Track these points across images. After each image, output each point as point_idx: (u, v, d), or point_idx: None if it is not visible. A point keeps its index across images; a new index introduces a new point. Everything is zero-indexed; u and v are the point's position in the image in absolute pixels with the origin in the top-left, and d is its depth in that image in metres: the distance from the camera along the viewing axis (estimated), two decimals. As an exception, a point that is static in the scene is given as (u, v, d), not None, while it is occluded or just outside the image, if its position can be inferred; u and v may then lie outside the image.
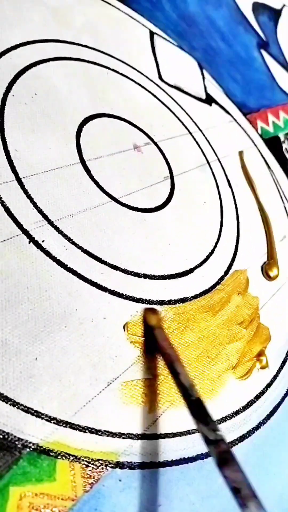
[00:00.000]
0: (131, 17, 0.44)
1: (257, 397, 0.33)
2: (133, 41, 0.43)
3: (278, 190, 0.48)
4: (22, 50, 0.33)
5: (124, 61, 0.41)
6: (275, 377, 0.35)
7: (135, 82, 0.40)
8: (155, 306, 0.30)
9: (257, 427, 0.32)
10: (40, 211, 0.28)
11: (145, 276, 0.31)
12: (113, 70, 0.39)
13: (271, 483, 0.31)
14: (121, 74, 0.40)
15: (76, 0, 0.40)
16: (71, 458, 0.23)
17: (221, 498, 0.27)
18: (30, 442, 0.22)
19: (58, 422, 0.23)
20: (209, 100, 0.47)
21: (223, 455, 0.21)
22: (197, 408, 0.24)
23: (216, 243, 0.37)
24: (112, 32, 0.41)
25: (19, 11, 0.35)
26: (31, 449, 0.22)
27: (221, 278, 0.36)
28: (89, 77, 0.37)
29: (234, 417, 0.31)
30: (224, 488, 0.28)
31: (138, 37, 0.44)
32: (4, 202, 0.27)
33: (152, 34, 0.46)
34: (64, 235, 0.28)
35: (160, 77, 0.43)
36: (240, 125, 0.49)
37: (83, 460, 0.23)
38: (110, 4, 0.43)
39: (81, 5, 0.40)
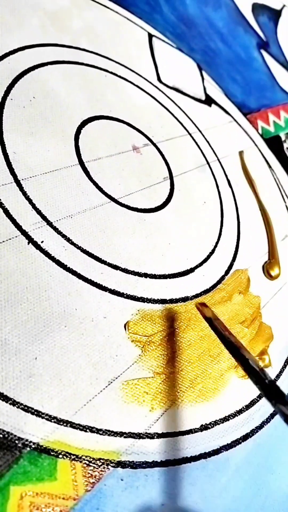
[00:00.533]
0: (129, 20, 0.45)
1: (260, 396, 0.33)
2: (131, 44, 0.43)
3: (279, 190, 0.48)
4: (21, 55, 0.33)
5: (122, 63, 0.41)
6: (278, 375, 0.34)
7: (134, 84, 0.41)
8: (155, 305, 0.30)
9: (260, 426, 0.31)
10: (39, 212, 0.28)
11: (145, 275, 0.31)
12: (111, 72, 0.39)
13: (275, 483, 0.30)
14: (120, 76, 0.40)
15: (74, 5, 0.40)
16: (72, 457, 0.23)
17: (225, 498, 0.27)
18: (31, 441, 0.22)
19: (59, 421, 0.23)
20: (208, 101, 0.48)
21: None
22: (273, 390, 0.23)
23: (217, 242, 0.37)
24: (110, 35, 0.41)
25: (18, 16, 0.35)
26: (32, 448, 0.22)
27: (222, 278, 0.36)
28: (88, 79, 0.37)
29: (237, 416, 0.30)
30: (228, 488, 0.28)
31: (137, 40, 0.44)
32: (3, 204, 0.27)
33: (150, 36, 0.46)
34: (63, 236, 0.28)
35: (159, 79, 0.44)
36: (240, 125, 0.49)
37: (84, 459, 0.23)
38: (108, 7, 0.43)
39: (79, 9, 0.40)
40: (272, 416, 0.32)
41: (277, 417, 0.33)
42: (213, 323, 0.28)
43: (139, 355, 0.28)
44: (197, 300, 0.33)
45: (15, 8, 0.35)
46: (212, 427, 0.29)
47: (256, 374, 0.24)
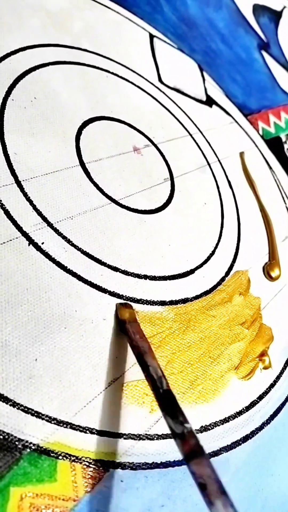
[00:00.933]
0: (130, 20, 0.45)
1: (260, 397, 0.33)
2: (132, 44, 0.43)
3: (280, 191, 0.48)
4: (22, 55, 0.33)
5: (123, 64, 0.41)
6: (278, 377, 0.34)
7: (135, 85, 0.41)
8: (154, 307, 0.30)
9: (260, 428, 0.31)
10: (39, 213, 0.28)
11: (145, 277, 0.31)
12: (112, 73, 0.39)
13: (275, 484, 0.30)
14: (121, 77, 0.40)
15: (75, 6, 0.40)
16: (72, 458, 0.23)
17: (224, 499, 0.27)
18: (31, 443, 0.22)
19: (59, 422, 0.23)
20: (209, 101, 0.48)
21: (190, 450, 0.21)
22: (165, 400, 0.23)
23: (217, 244, 0.37)
24: (111, 36, 0.41)
25: (19, 17, 0.35)
26: (32, 449, 0.22)
27: (222, 279, 0.36)
28: (89, 80, 0.37)
29: (237, 417, 0.30)
30: (227, 489, 0.28)
31: (138, 40, 0.44)
32: (4, 205, 0.27)
33: (152, 37, 0.46)
34: (64, 237, 0.28)
35: (160, 80, 0.44)
36: (241, 126, 0.49)
37: (84, 460, 0.23)
38: (109, 8, 0.43)
39: (80, 10, 0.40)
40: (272, 417, 0.32)
41: (277, 419, 0.33)
42: (125, 326, 0.27)
43: (139, 356, 0.28)
44: (198, 301, 0.33)
45: (16, 9, 0.35)
46: (212, 429, 0.29)
47: (153, 381, 0.24)
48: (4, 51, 0.33)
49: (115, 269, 0.30)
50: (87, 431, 0.24)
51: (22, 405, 0.22)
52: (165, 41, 0.47)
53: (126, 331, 0.27)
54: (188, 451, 0.21)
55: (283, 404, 0.33)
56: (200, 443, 0.21)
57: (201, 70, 0.49)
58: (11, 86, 0.32)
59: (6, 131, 0.30)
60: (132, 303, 0.29)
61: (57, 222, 0.29)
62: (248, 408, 0.31)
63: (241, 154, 0.47)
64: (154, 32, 0.47)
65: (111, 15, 0.43)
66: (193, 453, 0.20)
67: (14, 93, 0.31)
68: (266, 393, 0.33)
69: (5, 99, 0.31)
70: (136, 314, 0.29)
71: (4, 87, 0.31)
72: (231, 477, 0.28)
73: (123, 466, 0.24)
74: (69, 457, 0.23)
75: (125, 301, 0.29)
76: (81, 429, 0.24)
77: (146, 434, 0.26)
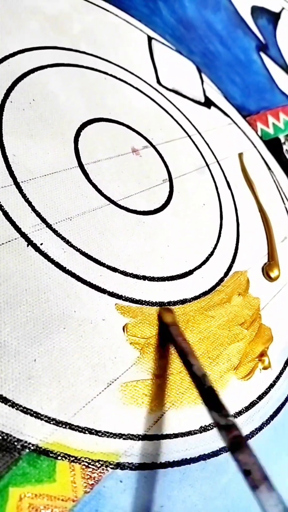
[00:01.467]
0: (129, 22, 0.45)
1: (260, 397, 0.33)
2: (131, 47, 0.43)
3: (279, 191, 0.48)
4: (20, 57, 0.34)
5: (122, 66, 0.41)
6: (278, 377, 0.34)
7: (133, 86, 0.41)
8: (153, 307, 0.30)
9: (260, 428, 0.31)
10: (38, 214, 0.28)
11: (144, 277, 0.31)
12: (111, 75, 0.39)
13: (275, 484, 0.30)
14: (119, 79, 0.40)
15: (74, 8, 0.40)
16: (71, 459, 0.23)
17: (225, 499, 0.27)
18: (30, 443, 0.22)
19: (58, 423, 0.23)
20: (208, 103, 0.48)
21: (235, 440, 0.22)
22: (209, 396, 0.24)
23: (216, 244, 0.37)
24: (109, 38, 0.42)
25: (17, 19, 0.35)
26: (31, 450, 0.22)
27: (221, 280, 0.36)
28: (87, 82, 0.37)
29: (236, 417, 0.30)
30: (227, 489, 0.28)
31: (136, 43, 0.44)
32: (3, 206, 0.27)
33: (150, 39, 0.46)
34: (63, 238, 0.28)
35: (158, 82, 0.44)
36: (239, 127, 0.49)
37: (83, 461, 0.23)
38: (107, 10, 0.43)
39: (79, 12, 0.40)
40: (271, 418, 0.32)
41: (277, 419, 0.33)
42: (169, 329, 0.29)
43: (138, 357, 0.28)
44: (197, 302, 0.33)
45: (15, 12, 0.35)
46: (211, 429, 0.29)
47: (197, 379, 0.25)
48: (3, 53, 0.33)
49: (114, 269, 0.30)
50: (86, 432, 0.24)
51: (21, 406, 0.22)
52: (163, 43, 0.47)
53: (170, 334, 0.29)
54: (233, 441, 0.22)
55: (282, 405, 0.33)
56: (242, 434, 0.23)
57: (200, 71, 0.49)
58: (10, 88, 0.32)
59: (5, 133, 0.30)
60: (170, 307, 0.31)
61: (56, 223, 0.29)
62: (247, 408, 0.31)
63: (240, 155, 0.47)
64: (152, 34, 0.47)
65: (109, 17, 0.43)
66: (237, 443, 0.22)
67: (12, 95, 0.32)
68: (265, 393, 0.33)
69: (3, 101, 0.31)
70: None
71: (3, 89, 0.31)
72: (231, 478, 0.28)
73: (122, 466, 0.24)
74: (68, 458, 0.23)
75: (167, 306, 0.31)
76: (80, 429, 0.24)
77: (145, 435, 0.26)
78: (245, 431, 0.30)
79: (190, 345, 0.28)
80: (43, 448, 0.22)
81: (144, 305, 0.30)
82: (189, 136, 0.43)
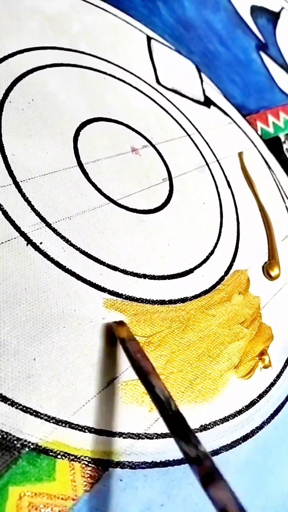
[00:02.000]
0: (128, 23, 0.45)
1: (260, 396, 0.33)
2: (130, 47, 0.43)
3: (279, 190, 0.48)
4: (19, 58, 0.34)
5: (121, 66, 0.41)
6: (278, 376, 0.34)
7: (133, 86, 0.41)
8: (154, 306, 0.30)
9: (260, 427, 0.31)
10: (37, 213, 0.28)
11: (144, 276, 0.31)
12: (110, 75, 0.39)
13: (275, 483, 0.30)
14: (118, 78, 0.40)
15: (73, 8, 0.40)
16: (71, 457, 0.23)
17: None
18: (29, 442, 0.22)
19: (57, 421, 0.23)
20: (207, 102, 0.48)
21: (207, 474, 0.20)
22: (175, 422, 0.22)
23: (216, 243, 0.37)
24: (109, 38, 0.42)
25: (16, 19, 0.35)
26: (30, 448, 0.22)
27: (222, 278, 0.36)
28: (86, 82, 0.37)
29: (236, 416, 0.30)
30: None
31: (135, 43, 0.44)
32: (2, 206, 0.27)
33: (149, 39, 0.46)
34: (62, 237, 0.29)
35: (157, 81, 0.44)
36: (239, 127, 0.49)
37: (83, 459, 0.23)
38: (107, 11, 0.43)
39: (78, 13, 0.40)
40: (272, 416, 0.32)
41: (278, 418, 0.33)
42: (125, 344, 0.26)
43: (138, 355, 0.28)
44: (198, 300, 0.33)
45: (14, 12, 0.35)
46: (211, 428, 0.29)
47: (160, 403, 0.22)
48: (2, 53, 0.33)
49: (114, 268, 0.30)
50: (86, 430, 0.24)
51: (20, 404, 0.22)
52: (162, 43, 0.47)
53: (125, 351, 0.26)
54: (205, 475, 0.20)
55: (283, 403, 0.33)
56: (216, 465, 0.20)
57: (199, 71, 0.49)
58: (9, 89, 0.32)
59: (4, 132, 0.30)
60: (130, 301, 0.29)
61: (56, 222, 0.29)
62: (248, 407, 0.31)
63: (240, 154, 0.47)
64: (152, 34, 0.47)
65: (108, 17, 0.43)
66: (210, 477, 0.19)
67: (11, 95, 0.32)
68: (266, 392, 0.33)
69: (2, 101, 0.31)
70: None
71: (2, 89, 0.31)
72: (231, 477, 0.28)
73: (122, 465, 0.24)
74: (68, 456, 0.23)
75: (119, 320, 0.28)
76: (80, 428, 0.24)
77: (145, 433, 0.26)
78: (245, 430, 0.30)
79: (151, 363, 0.25)
80: (42, 447, 0.22)
81: (144, 303, 0.30)
82: (189, 135, 0.43)
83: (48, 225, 0.28)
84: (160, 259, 0.33)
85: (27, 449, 0.22)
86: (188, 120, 0.44)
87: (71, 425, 0.24)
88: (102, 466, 0.24)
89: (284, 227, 0.44)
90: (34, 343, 0.24)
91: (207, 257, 0.36)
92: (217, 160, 0.44)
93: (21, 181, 0.29)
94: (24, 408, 0.22)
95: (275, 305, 0.38)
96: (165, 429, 0.27)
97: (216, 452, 0.28)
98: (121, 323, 0.28)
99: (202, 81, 0.49)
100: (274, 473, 0.30)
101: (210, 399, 0.30)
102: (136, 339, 0.27)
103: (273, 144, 0.52)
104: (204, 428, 0.28)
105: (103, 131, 0.36)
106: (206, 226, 0.38)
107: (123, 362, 0.27)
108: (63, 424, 0.23)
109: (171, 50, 0.48)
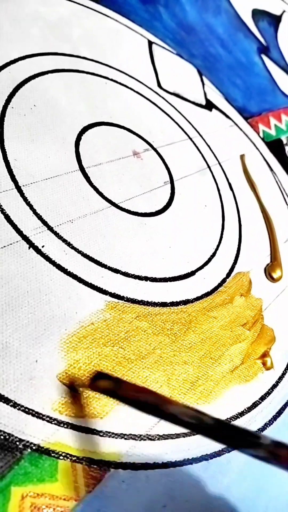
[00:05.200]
0: (129, 28, 0.45)
1: (263, 398, 0.33)
2: (131, 51, 0.44)
3: (282, 192, 0.48)
4: (21, 64, 0.34)
5: (122, 70, 0.41)
6: (280, 378, 0.34)
7: (134, 90, 0.41)
8: (156, 308, 0.31)
9: (263, 428, 0.31)
10: (39, 217, 0.29)
11: (146, 278, 0.31)
12: (111, 79, 0.40)
13: (278, 485, 0.30)
14: (120, 83, 0.40)
15: (74, 14, 0.41)
16: (73, 458, 0.23)
17: (227, 500, 0.27)
18: (31, 443, 0.22)
19: (59, 423, 0.23)
20: (209, 105, 0.48)
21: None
22: (226, 432, 0.19)
23: (218, 245, 0.37)
24: (110, 43, 0.42)
25: (18, 26, 0.36)
26: (32, 449, 0.22)
27: (223, 280, 0.36)
28: (88, 87, 0.37)
29: (238, 418, 0.31)
30: (229, 490, 0.28)
31: (136, 47, 0.45)
32: (4, 210, 0.27)
33: (150, 43, 0.46)
34: (64, 240, 0.29)
35: (159, 85, 0.44)
36: (241, 129, 0.50)
37: (85, 460, 0.23)
38: (108, 16, 0.44)
39: (79, 18, 0.41)
40: (274, 418, 0.32)
41: (280, 419, 0.33)
42: (118, 393, 0.23)
43: (140, 357, 0.28)
44: (199, 302, 0.33)
45: (15, 19, 0.36)
46: (213, 429, 0.29)
47: (195, 427, 0.20)
48: (4, 60, 0.33)
49: (116, 271, 0.30)
50: (88, 431, 0.24)
51: (22, 406, 0.23)
52: (164, 47, 0.48)
53: (123, 400, 0.23)
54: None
55: (286, 405, 0.33)
56: None
57: (201, 74, 0.50)
58: (11, 94, 0.32)
59: (6, 138, 0.30)
60: None
61: (57, 225, 0.29)
62: (250, 408, 0.31)
63: (242, 157, 0.47)
64: (153, 39, 0.47)
65: (109, 23, 0.44)
66: None
67: (13, 101, 0.32)
68: (268, 394, 0.33)
69: (4, 107, 0.31)
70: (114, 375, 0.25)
71: (4, 95, 0.32)
72: (234, 478, 0.28)
73: (124, 466, 0.25)
74: (70, 457, 0.23)
75: (95, 371, 0.25)
76: (82, 429, 0.24)
77: (147, 435, 0.26)
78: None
79: (154, 391, 0.23)
80: (45, 448, 0.23)
81: (146, 306, 0.30)
82: (190, 139, 0.43)
83: (50, 228, 0.29)
84: (161, 261, 0.33)
85: (29, 450, 0.22)
86: (190, 123, 0.44)
87: (73, 426, 0.24)
88: (104, 467, 0.24)
89: (287, 229, 0.44)
90: (36, 345, 0.25)
91: (209, 259, 0.36)
92: (219, 163, 0.44)
93: (23, 186, 0.29)
94: (26, 410, 0.23)
95: (277, 307, 0.38)
96: (167, 431, 0.27)
97: (218, 453, 0.28)
98: (100, 375, 0.24)
99: (203, 84, 0.49)
100: (277, 474, 0.30)
101: (212, 401, 0.30)
102: (122, 380, 0.24)
103: (275, 146, 0.52)
104: (206, 429, 0.28)
105: (104, 135, 0.36)
106: (207, 228, 0.38)
107: (125, 364, 0.27)
108: (65, 426, 0.24)
109: (172, 54, 0.48)
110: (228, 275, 0.36)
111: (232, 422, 0.30)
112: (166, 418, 0.21)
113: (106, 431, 0.25)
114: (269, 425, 0.32)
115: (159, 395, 0.22)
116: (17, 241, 0.27)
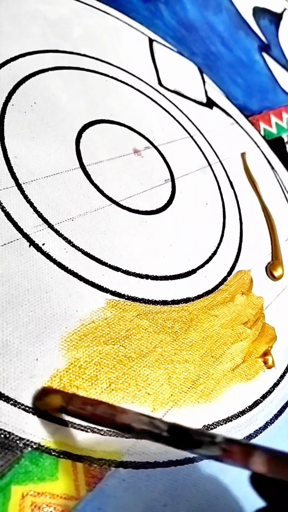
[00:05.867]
0: (130, 25, 0.45)
1: (264, 396, 0.32)
2: (132, 49, 0.44)
3: (282, 190, 0.48)
4: (21, 61, 0.34)
5: (123, 68, 0.41)
6: (282, 376, 0.34)
7: (135, 88, 0.41)
8: (156, 306, 0.30)
9: (264, 427, 0.31)
10: (40, 215, 0.28)
11: (147, 276, 0.31)
12: (112, 77, 0.40)
13: (280, 484, 0.30)
14: (120, 81, 0.40)
15: (74, 12, 0.41)
16: (74, 457, 0.23)
17: (228, 499, 0.27)
18: (32, 442, 0.22)
19: (60, 421, 0.23)
20: (210, 103, 0.48)
21: (242, 453, 0.18)
22: (178, 437, 0.19)
23: (219, 243, 0.37)
24: (110, 41, 0.42)
25: (18, 24, 0.36)
26: (33, 448, 0.22)
27: (225, 279, 0.36)
28: (88, 84, 0.37)
29: (240, 417, 0.30)
30: (231, 489, 0.28)
31: (137, 45, 0.45)
32: (5, 207, 0.27)
33: (151, 41, 0.46)
34: (65, 238, 0.29)
35: (159, 83, 0.44)
36: (242, 127, 0.49)
37: (85, 459, 0.23)
38: (108, 14, 0.44)
39: (79, 16, 0.41)
40: (276, 417, 0.32)
41: (281, 418, 0.32)
42: (68, 412, 0.22)
43: (141, 356, 0.28)
44: (200, 301, 0.33)
45: (15, 17, 0.36)
46: (214, 428, 0.29)
47: (150, 433, 0.20)
48: (4, 57, 0.33)
49: (117, 269, 0.30)
50: (89, 430, 0.24)
51: (23, 404, 0.23)
52: (164, 45, 0.48)
53: (74, 415, 0.22)
54: (242, 456, 0.18)
55: (287, 404, 0.33)
56: (243, 441, 0.18)
57: (201, 72, 0.50)
58: (11, 92, 0.32)
59: (7, 135, 0.30)
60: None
61: (58, 223, 0.29)
62: (251, 407, 0.31)
63: (243, 155, 0.47)
64: (154, 36, 0.47)
65: (110, 20, 0.43)
66: (246, 454, 0.18)
67: (14, 99, 0.32)
68: (269, 392, 0.33)
69: (5, 104, 0.31)
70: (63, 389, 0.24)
71: (4, 92, 0.32)
72: (235, 477, 0.28)
73: (125, 465, 0.24)
74: (70, 456, 0.23)
75: (42, 388, 0.24)
76: (82, 428, 0.24)
77: (148, 433, 0.26)
78: (249, 431, 0.30)
79: (106, 402, 0.22)
80: (45, 446, 0.22)
81: (147, 304, 0.30)
82: (191, 137, 0.43)
83: (51, 226, 0.29)
84: (162, 260, 0.33)
85: (29, 448, 0.22)
86: (191, 121, 0.44)
87: (73, 425, 0.24)
88: (104, 465, 0.24)
89: (288, 227, 0.44)
90: (36, 343, 0.24)
91: (210, 258, 0.36)
92: (220, 161, 0.44)
93: (24, 183, 0.29)
94: (27, 408, 0.23)
95: (278, 306, 0.37)
96: (167, 429, 0.27)
97: (219, 452, 0.28)
98: (49, 391, 0.23)
99: (204, 82, 0.49)
100: (278, 473, 0.30)
101: (213, 399, 0.30)
102: (71, 393, 0.24)
103: (276, 144, 0.52)
104: (207, 428, 0.28)
105: (105, 133, 0.36)
106: (208, 226, 0.38)
107: (126, 362, 0.27)
108: (66, 424, 0.23)
109: (173, 52, 0.48)
110: (229, 273, 0.36)
111: (234, 421, 0.30)
112: (120, 429, 0.21)
113: (107, 430, 0.25)
114: (270, 424, 0.32)
115: (111, 405, 0.22)
116: (17, 239, 0.27)
